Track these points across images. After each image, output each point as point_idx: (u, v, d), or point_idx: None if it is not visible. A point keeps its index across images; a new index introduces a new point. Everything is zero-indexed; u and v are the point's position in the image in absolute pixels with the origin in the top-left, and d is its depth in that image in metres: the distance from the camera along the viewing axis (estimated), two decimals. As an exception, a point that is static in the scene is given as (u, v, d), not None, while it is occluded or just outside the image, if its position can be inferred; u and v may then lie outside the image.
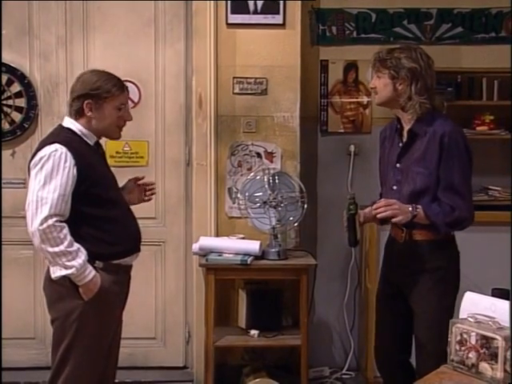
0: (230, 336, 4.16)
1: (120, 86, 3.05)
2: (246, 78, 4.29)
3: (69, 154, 2.88)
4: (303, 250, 4.30)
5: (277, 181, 4.07)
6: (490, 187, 4.41)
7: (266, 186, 4.06)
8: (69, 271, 2.85)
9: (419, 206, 3.06)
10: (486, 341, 2.36)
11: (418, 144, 3.12)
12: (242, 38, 4.27)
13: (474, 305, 2.50)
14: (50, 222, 2.81)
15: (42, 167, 2.87)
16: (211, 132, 4.30)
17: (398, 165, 3.19)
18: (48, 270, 3.00)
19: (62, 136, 2.97)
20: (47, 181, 2.85)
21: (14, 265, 4.45)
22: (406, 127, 3.19)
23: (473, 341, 2.40)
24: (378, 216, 3.08)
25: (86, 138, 3.03)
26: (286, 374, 4.25)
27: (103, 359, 3.08)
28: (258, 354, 4.39)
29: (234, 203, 4.30)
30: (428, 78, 3.13)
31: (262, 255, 4.07)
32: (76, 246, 2.86)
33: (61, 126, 3.06)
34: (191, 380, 4.43)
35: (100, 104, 2.99)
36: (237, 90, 4.29)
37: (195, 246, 4.14)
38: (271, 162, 4.33)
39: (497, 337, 2.32)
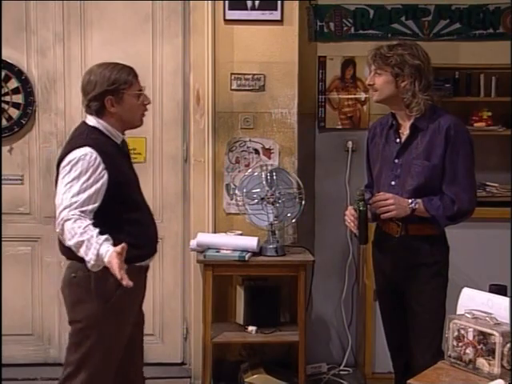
0: (228, 332, 4.16)
1: (133, 73, 2.98)
2: (244, 74, 4.28)
3: (99, 159, 2.80)
4: (301, 246, 4.30)
5: (274, 177, 4.07)
6: (488, 183, 4.41)
7: (264, 182, 4.06)
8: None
9: (419, 200, 3.07)
10: (483, 337, 2.37)
11: (420, 138, 3.13)
12: (240, 34, 4.26)
13: (471, 300, 2.51)
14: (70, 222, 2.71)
15: (70, 170, 2.79)
16: (209, 128, 4.30)
17: (396, 160, 3.18)
18: (66, 270, 2.96)
19: (90, 138, 2.87)
20: (74, 184, 2.76)
21: (11, 261, 4.44)
22: (405, 123, 3.18)
23: (470, 337, 2.41)
24: (378, 211, 3.09)
25: (113, 137, 2.96)
26: (284, 370, 4.25)
27: (119, 360, 3.03)
28: (256, 350, 4.40)
29: (231, 199, 4.30)
30: (429, 74, 3.15)
31: (259, 251, 4.07)
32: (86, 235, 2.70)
33: (87, 126, 2.95)
34: (189, 376, 4.44)
35: (120, 97, 2.91)
36: (234, 87, 4.29)
37: (193, 243, 4.14)
38: (269, 158, 4.33)
39: (494, 332, 2.33)
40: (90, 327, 2.89)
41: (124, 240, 2.69)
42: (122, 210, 2.90)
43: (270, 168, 4.13)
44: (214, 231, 4.31)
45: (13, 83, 4.38)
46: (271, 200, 4.05)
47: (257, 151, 4.34)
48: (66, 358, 2.99)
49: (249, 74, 4.28)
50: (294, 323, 4.13)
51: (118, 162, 2.92)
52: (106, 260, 2.61)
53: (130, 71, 2.97)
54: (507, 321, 2.38)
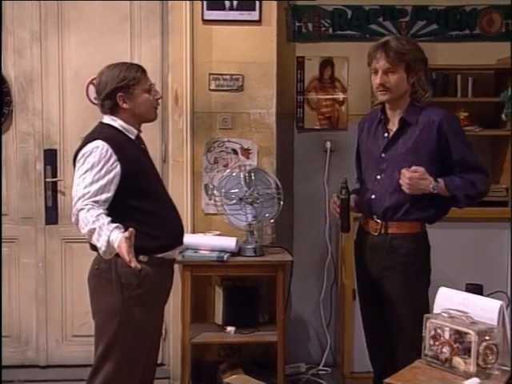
0: (207, 333, 4.16)
1: (141, 69, 3.11)
2: (222, 74, 4.28)
3: (110, 150, 2.91)
4: (279, 246, 4.30)
5: (253, 177, 4.08)
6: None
7: (242, 182, 4.07)
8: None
9: (440, 181, 3.05)
10: (459, 335, 2.39)
11: (409, 133, 3.13)
12: (218, 35, 4.26)
13: (448, 300, 2.53)
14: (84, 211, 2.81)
15: (83, 163, 2.91)
16: (187, 128, 4.29)
17: (383, 155, 3.19)
18: (92, 262, 3.04)
19: (103, 132, 3.01)
20: (87, 176, 2.88)
21: (-12, 262, 4.41)
22: (394, 118, 3.19)
23: (446, 335, 2.43)
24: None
25: (127, 133, 3.08)
26: (263, 370, 4.25)
27: (145, 355, 3.10)
28: (235, 351, 4.39)
29: (210, 200, 4.29)
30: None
31: (238, 252, 4.07)
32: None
33: (101, 124, 3.09)
34: (168, 377, 4.42)
35: (131, 92, 3.04)
36: (213, 87, 4.29)
37: (171, 243, 4.13)
38: (247, 158, 4.33)
39: (470, 331, 2.35)
40: (110, 320, 2.97)
41: (139, 230, 2.77)
42: (138, 201, 2.98)
43: (248, 168, 4.13)
44: (193, 231, 4.30)
45: (-11, 83, 4.35)
46: (250, 200, 4.05)
47: (235, 151, 4.34)
48: (94, 351, 3.08)
49: (227, 75, 4.28)
50: (273, 323, 4.13)
51: (131, 154, 3.02)
52: (115, 245, 2.69)
53: (138, 68, 3.11)
54: (483, 320, 2.41)
